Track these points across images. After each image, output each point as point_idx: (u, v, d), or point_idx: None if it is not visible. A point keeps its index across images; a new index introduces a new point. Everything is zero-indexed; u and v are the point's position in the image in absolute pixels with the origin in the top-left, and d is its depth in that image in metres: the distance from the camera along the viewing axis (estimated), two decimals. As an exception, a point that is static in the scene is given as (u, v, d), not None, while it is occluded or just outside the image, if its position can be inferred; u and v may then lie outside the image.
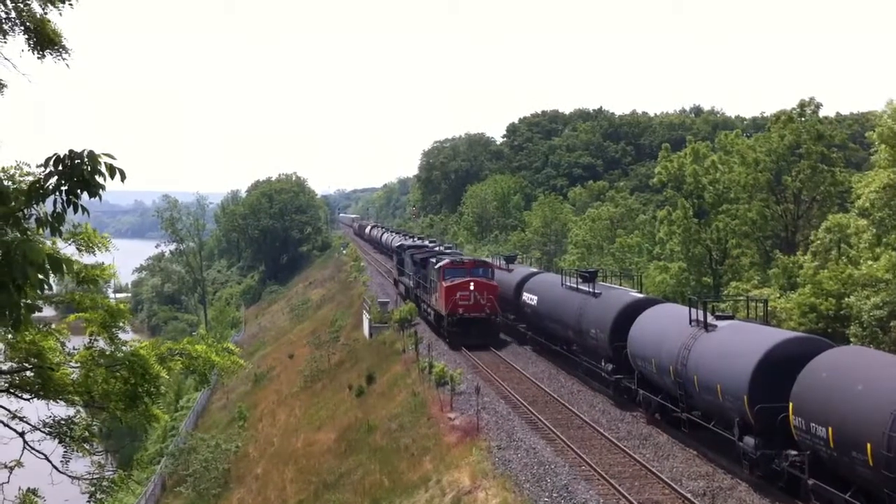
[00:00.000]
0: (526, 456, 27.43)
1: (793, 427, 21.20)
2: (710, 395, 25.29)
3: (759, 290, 42.55)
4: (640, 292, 39.01)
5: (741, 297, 38.28)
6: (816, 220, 49.75)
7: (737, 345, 24.76)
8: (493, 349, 46.56)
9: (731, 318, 28.67)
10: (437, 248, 65.64)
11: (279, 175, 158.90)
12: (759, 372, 22.62)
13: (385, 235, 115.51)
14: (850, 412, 19.06)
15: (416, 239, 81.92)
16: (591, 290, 37.84)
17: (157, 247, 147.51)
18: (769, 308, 32.99)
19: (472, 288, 47.55)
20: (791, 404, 21.22)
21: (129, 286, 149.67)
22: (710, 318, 27.37)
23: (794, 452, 21.61)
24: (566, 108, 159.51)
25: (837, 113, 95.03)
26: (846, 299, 35.29)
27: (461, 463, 28.07)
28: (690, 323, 27.85)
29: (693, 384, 26.28)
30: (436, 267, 50.83)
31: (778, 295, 40.82)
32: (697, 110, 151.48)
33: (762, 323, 28.11)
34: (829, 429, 19.52)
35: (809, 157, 50.35)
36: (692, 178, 55.23)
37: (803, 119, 53.10)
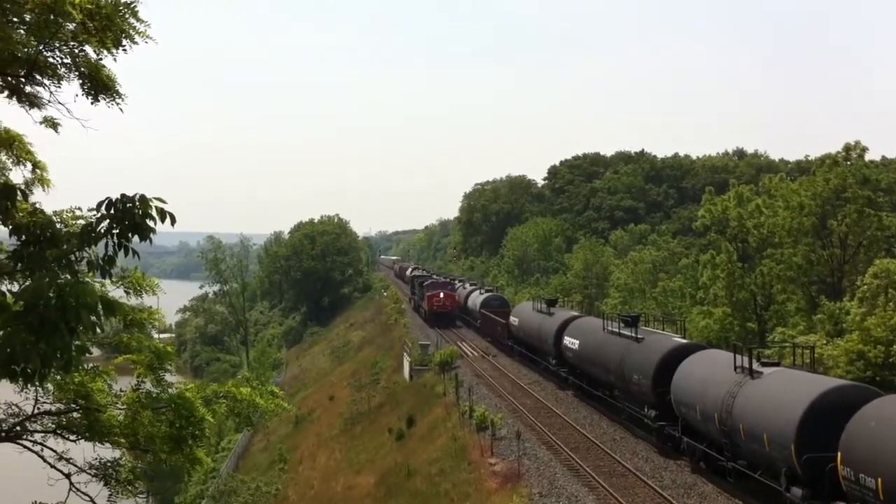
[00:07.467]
0: None
1: (841, 477, 20.75)
2: (756, 443, 24.88)
3: (805, 336, 41.92)
4: (684, 337, 38.60)
5: (787, 344, 37.74)
6: (863, 265, 48.96)
7: (783, 392, 24.37)
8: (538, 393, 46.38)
9: (777, 364, 28.24)
10: (432, 276, 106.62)
11: (321, 217, 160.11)
12: (807, 421, 22.24)
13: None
14: (902, 463, 18.63)
15: (441, 276, 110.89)
16: (633, 334, 37.53)
17: (201, 287, 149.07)
18: (816, 355, 32.48)
19: (441, 296, 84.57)
20: (839, 454, 20.79)
21: (173, 326, 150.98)
22: (755, 365, 26.99)
23: (842, 504, 21.15)
24: (607, 151, 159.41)
25: (883, 157, 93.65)
26: (895, 346, 34.64)
27: (502, 509, 27.81)
28: (735, 369, 27.49)
29: (738, 432, 25.87)
30: (423, 284, 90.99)
31: (824, 342, 40.19)
32: (741, 153, 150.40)
33: (809, 370, 27.68)
34: (879, 480, 19.07)
35: (855, 202, 49.69)
36: (736, 221, 54.82)
37: (849, 163, 52.54)
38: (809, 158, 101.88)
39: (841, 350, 37.12)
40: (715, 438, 28.40)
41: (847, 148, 53.39)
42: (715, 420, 27.43)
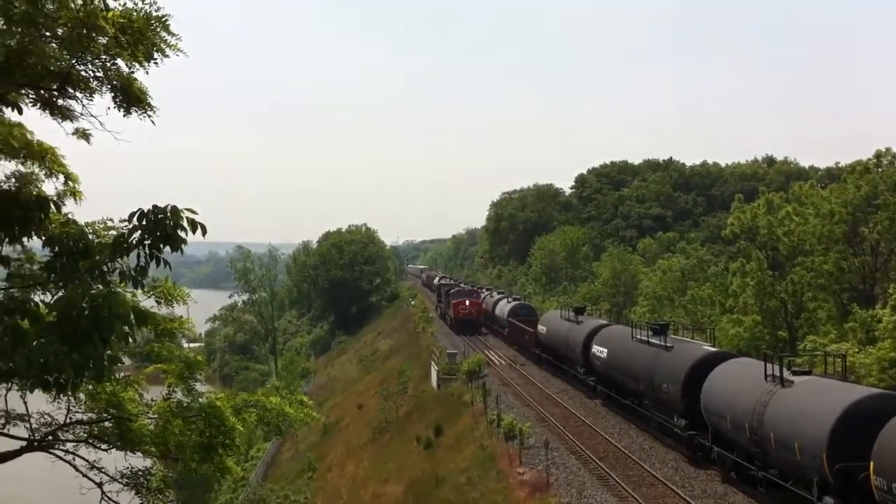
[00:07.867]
0: (597, 513, 26.98)
1: (874, 487, 20.51)
2: (787, 453, 24.65)
3: (837, 344, 41.48)
4: (714, 346, 38.32)
5: (818, 352, 37.39)
6: (895, 272, 48.44)
7: (815, 401, 24.13)
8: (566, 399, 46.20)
9: (809, 373, 27.97)
10: (459, 284, 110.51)
11: (349, 226, 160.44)
12: (839, 430, 22.01)
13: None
14: (936, 473, 18.39)
15: (467, 284, 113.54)
16: (662, 343, 37.32)
17: (230, 297, 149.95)
18: (847, 363, 32.13)
19: (467, 303, 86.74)
20: (872, 463, 20.56)
21: (202, 336, 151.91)
22: (786, 374, 26.76)
23: (876, 514, 20.89)
24: (635, 159, 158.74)
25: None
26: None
27: (531, 519, 27.70)
28: (766, 378, 27.25)
29: (769, 441, 25.64)
30: (449, 292, 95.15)
31: (856, 350, 39.75)
32: (770, 160, 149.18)
33: (840, 379, 27.38)
34: (914, 490, 18.85)
35: (887, 209, 49.15)
36: (766, 229, 54.40)
37: (880, 170, 52.00)
38: (840, 165, 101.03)
39: (873, 358, 36.71)
40: (745, 448, 28.17)
41: (878, 155, 52.84)
42: (746, 429, 27.21)
